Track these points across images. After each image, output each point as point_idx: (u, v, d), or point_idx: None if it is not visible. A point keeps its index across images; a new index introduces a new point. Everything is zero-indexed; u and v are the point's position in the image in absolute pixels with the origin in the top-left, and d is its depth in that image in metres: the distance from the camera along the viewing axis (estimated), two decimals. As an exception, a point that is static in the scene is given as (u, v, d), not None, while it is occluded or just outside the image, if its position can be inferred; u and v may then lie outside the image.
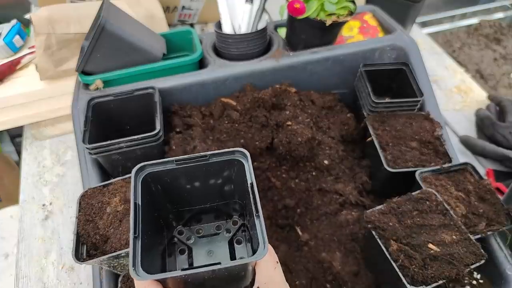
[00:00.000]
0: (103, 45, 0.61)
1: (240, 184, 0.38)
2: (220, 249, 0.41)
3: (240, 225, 0.42)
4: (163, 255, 0.40)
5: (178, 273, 0.29)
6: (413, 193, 0.51)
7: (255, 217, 0.32)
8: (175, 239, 0.42)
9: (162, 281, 0.31)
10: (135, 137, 0.55)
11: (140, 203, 0.34)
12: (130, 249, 0.30)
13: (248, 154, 0.36)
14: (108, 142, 0.55)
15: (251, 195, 0.34)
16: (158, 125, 0.57)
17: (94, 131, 0.59)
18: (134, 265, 0.30)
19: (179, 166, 0.37)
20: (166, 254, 0.40)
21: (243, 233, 0.42)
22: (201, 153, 0.37)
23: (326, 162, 0.63)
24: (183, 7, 1.07)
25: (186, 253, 0.41)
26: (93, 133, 0.58)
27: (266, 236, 0.31)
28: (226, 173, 0.39)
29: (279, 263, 0.33)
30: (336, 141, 0.66)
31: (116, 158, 0.57)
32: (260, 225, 0.32)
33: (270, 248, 0.32)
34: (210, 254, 0.40)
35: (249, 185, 0.35)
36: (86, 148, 0.55)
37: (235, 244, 0.41)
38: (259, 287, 0.32)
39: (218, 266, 0.29)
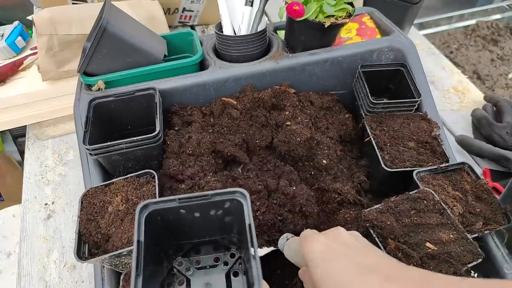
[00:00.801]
0: (105, 46, 0.62)
1: (238, 219, 0.40)
2: (217, 282, 0.42)
3: (238, 258, 0.44)
4: (162, 284, 0.41)
5: None
6: (411, 193, 0.52)
7: (251, 258, 0.34)
8: (175, 269, 0.43)
9: None
10: (135, 138, 0.56)
11: (143, 241, 0.35)
12: (131, 286, 0.32)
13: (247, 195, 0.38)
14: (108, 143, 0.55)
15: (248, 236, 0.35)
16: (158, 127, 0.57)
17: (95, 131, 0.59)
18: None
19: (181, 204, 0.38)
20: (165, 284, 0.42)
21: (240, 265, 0.44)
22: (203, 193, 0.38)
23: (324, 161, 0.64)
24: (184, 9, 1.08)
25: (185, 284, 0.42)
26: (94, 134, 0.59)
27: (261, 276, 0.32)
28: (226, 211, 0.41)
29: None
30: (335, 141, 0.66)
31: (116, 158, 0.58)
32: (256, 266, 0.33)
33: (265, 285, 0.34)
34: (208, 286, 0.42)
35: (247, 226, 0.36)
36: (86, 149, 0.56)
37: (231, 276, 0.43)
38: None
39: None
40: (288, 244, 0.48)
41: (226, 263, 0.44)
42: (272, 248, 0.52)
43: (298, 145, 0.61)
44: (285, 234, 0.51)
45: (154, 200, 0.38)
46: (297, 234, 0.50)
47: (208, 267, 0.44)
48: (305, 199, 0.56)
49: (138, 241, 0.35)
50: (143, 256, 0.34)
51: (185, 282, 0.42)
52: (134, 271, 0.33)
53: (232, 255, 0.44)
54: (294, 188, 0.57)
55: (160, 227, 0.40)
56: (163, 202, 0.38)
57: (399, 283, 0.32)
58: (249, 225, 0.36)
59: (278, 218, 0.54)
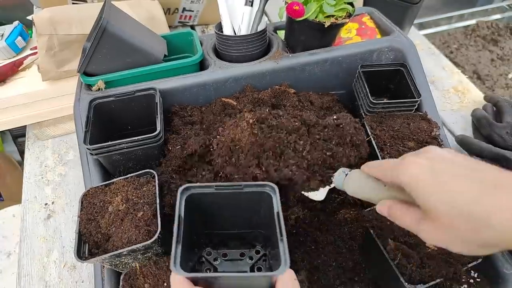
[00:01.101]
0: (105, 46, 0.62)
1: (266, 216, 0.42)
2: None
3: (262, 254, 0.47)
4: (192, 270, 0.44)
5: (209, 274, 0.35)
6: (410, 193, 0.52)
7: (279, 241, 0.37)
8: (203, 258, 0.47)
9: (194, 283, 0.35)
10: (136, 138, 0.56)
11: (183, 216, 0.40)
12: (172, 251, 0.36)
13: (276, 189, 0.41)
14: (109, 143, 0.56)
15: (276, 222, 0.39)
16: (159, 126, 0.57)
17: (95, 131, 0.59)
18: (174, 263, 0.35)
19: (217, 191, 0.42)
20: (194, 270, 0.45)
21: (264, 262, 0.46)
22: (237, 183, 0.42)
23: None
24: (184, 9, 1.08)
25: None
26: (95, 134, 0.59)
27: (288, 255, 0.35)
28: (255, 204, 0.44)
29: (297, 280, 0.35)
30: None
31: (117, 158, 0.58)
32: (283, 247, 0.36)
33: (289, 270, 0.34)
34: None
35: (275, 213, 0.39)
36: (87, 148, 0.56)
37: (255, 271, 0.45)
38: None
39: (245, 275, 0.34)
40: (350, 178, 0.45)
41: (251, 258, 0.46)
42: (328, 188, 0.50)
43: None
44: (340, 169, 0.48)
45: (194, 184, 0.42)
46: (352, 167, 0.48)
47: (234, 260, 0.46)
48: (353, 127, 0.50)
49: (179, 216, 0.39)
50: (182, 232, 0.38)
51: (212, 271, 0.45)
52: (175, 239, 0.37)
53: (257, 252, 0.47)
54: (335, 118, 0.51)
55: (195, 213, 0.43)
56: (201, 187, 0.42)
57: None
58: (278, 213, 0.39)
59: (327, 154, 0.48)
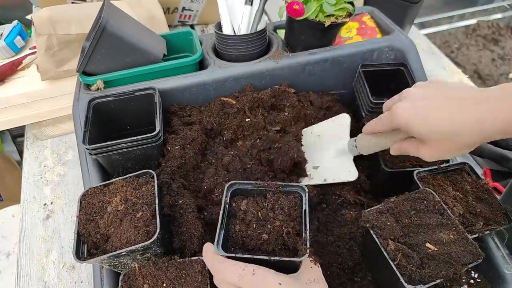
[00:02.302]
0: (104, 46, 0.62)
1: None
2: None
3: None
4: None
5: (244, 255, 0.40)
6: (411, 193, 0.52)
7: (303, 233, 0.43)
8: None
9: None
10: (135, 138, 0.56)
11: (227, 206, 0.46)
12: (216, 235, 0.42)
13: (306, 189, 0.47)
14: (108, 143, 0.55)
15: (303, 218, 0.44)
16: (158, 126, 0.57)
17: (94, 131, 0.59)
18: (217, 244, 0.42)
19: (256, 188, 0.48)
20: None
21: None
22: (275, 182, 0.48)
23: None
24: (184, 8, 1.07)
25: None
26: (94, 134, 0.59)
27: (308, 243, 0.41)
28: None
29: (318, 264, 0.42)
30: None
31: (116, 158, 0.58)
32: (306, 237, 0.42)
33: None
34: None
35: (303, 211, 0.45)
36: (86, 148, 0.56)
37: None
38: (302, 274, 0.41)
39: (277, 258, 0.40)
40: (360, 144, 0.56)
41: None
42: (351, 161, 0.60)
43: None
44: (348, 141, 0.60)
45: (239, 181, 0.48)
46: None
47: None
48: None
49: (225, 205, 0.46)
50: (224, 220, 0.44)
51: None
52: (219, 225, 0.43)
53: None
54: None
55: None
56: (245, 184, 0.48)
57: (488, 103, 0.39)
58: (305, 210, 0.45)
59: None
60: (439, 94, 0.43)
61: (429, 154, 0.45)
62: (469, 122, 0.40)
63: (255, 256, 0.40)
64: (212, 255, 0.42)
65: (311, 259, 0.42)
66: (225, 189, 0.47)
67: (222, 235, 0.43)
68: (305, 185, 0.47)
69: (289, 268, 0.42)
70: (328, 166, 0.62)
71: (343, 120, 0.64)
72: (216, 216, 0.59)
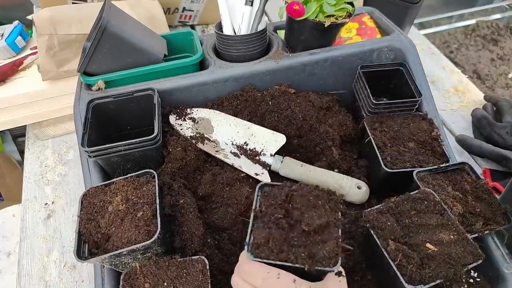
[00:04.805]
0: (105, 46, 0.62)
1: None
2: None
3: None
4: None
5: (276, 262, 0.40)
6: (411, 193, 0.52)
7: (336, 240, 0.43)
8: None
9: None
10: (134, 140, 0.55)
11: (258, 209, 0.46)
12: (247, 237, 0.43)
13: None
14: (107, 145, 0.55)
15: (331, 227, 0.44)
16: (156, 129, 0.57)
17: (94, 132, 0.59)
18: (246, 246, 0.42)
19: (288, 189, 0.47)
20: None
21: None
22: (310, 186, 0.46)
23: (325, 162, 0.64)
24: (184, 9, 1.08)
25: None
26: (93, 135, 0.59)
27: (340, 261, 0.41)
28: None
29: (344, 275, 0.42)
30: (335, 142, 0.66)
31: (115, 160, 0.58)
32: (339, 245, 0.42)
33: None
34: None
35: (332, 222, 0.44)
36: (85, 151, 0.55)
37: None
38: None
39: (305, 266, 0.40)
40: (285, 165, 0.62)
41: None
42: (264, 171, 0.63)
43: None
44: (278, 156, 0.64)
45: (270, 183, 0.48)
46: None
47: None
48: None
49: (255, 209, 0.45)
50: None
51: None
52: (250, 227, 0.43)
53: None
54: None
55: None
56: (274, 186, 0.48)
57: None
58: (338, 224, 0.44)
59: None
60: None
61: None
62: None
63: (285, 264, 0.40)
64: (242, 254, 0.43)
65: (340, 269, 0.42)
66: (257, 188, 0.48)
67: (252, 238, 0.43)
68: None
69: (310, 275, 0.41)
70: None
71: (280, 139, 0.66)
72: (216, 218, 0.59)
